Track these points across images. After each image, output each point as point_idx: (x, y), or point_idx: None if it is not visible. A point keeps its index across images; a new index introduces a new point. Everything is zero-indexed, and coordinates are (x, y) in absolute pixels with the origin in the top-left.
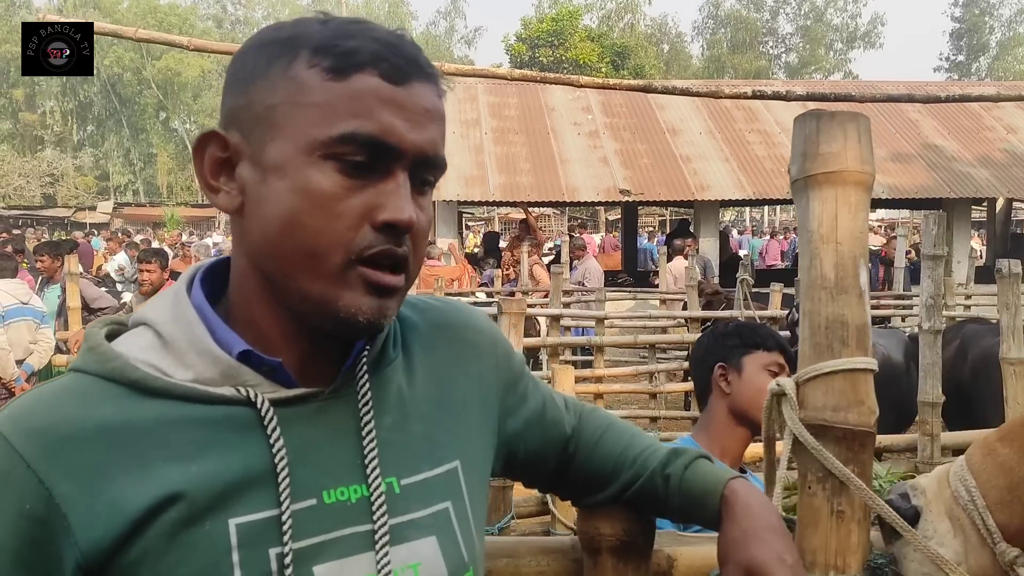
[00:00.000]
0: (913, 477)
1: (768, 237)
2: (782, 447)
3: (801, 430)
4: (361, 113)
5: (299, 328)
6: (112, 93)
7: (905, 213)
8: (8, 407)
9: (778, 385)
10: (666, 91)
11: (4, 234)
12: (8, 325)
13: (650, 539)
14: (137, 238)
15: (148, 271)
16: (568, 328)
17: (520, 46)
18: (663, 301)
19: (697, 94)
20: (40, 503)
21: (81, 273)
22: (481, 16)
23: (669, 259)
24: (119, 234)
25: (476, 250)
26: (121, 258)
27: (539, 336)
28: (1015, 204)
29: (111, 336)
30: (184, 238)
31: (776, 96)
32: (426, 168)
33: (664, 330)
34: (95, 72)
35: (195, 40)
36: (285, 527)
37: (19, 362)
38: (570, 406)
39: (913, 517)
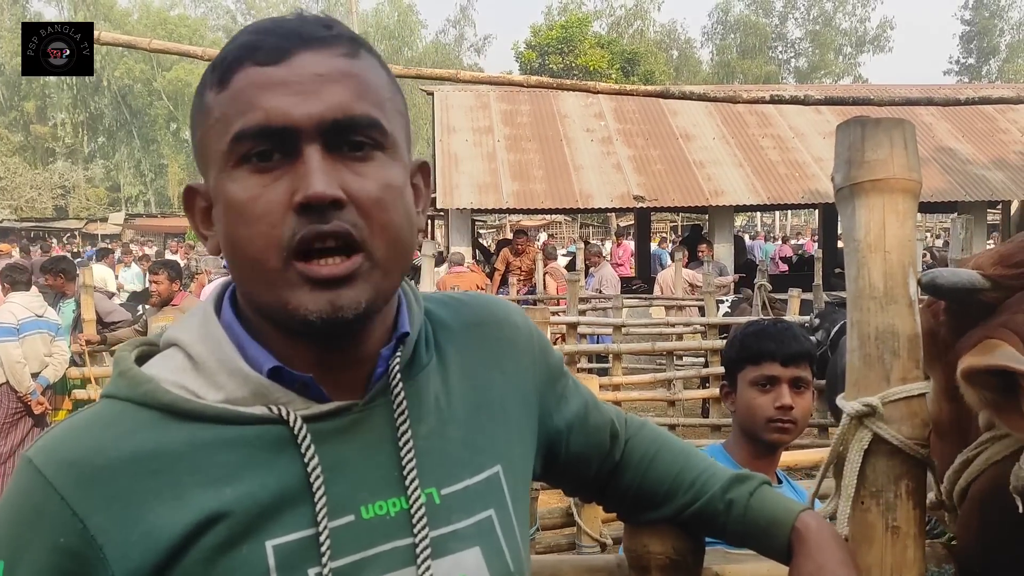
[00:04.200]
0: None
1: (780, 242)
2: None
3: (907, 443)
4: (244, 108)
5: (304, 341)
6: (123, 104)
7: (918, 216)
8: (41, 439)
9: (866, 406)
10: (683, 96)
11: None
12: (24, 338)
13: (700, 557)
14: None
15: (157, 283)
16: (584, 336)
17: (530, 53)
18: (680, 309)
19: (714, 99)
20: (75, 536)
21: (95, 287)
22: (490, 24)
23: (685, 265)
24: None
25: (491, 250)
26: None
27: None
28: None
29: (142, 358)
30: (197, 248)
31: (794, 100)
32: (346, 133)
33: (680, 337)
34: (106, 84)
35: (209, 50)
36: (323, 547)
37: (35, 375)
38: (620, 418)
39: None
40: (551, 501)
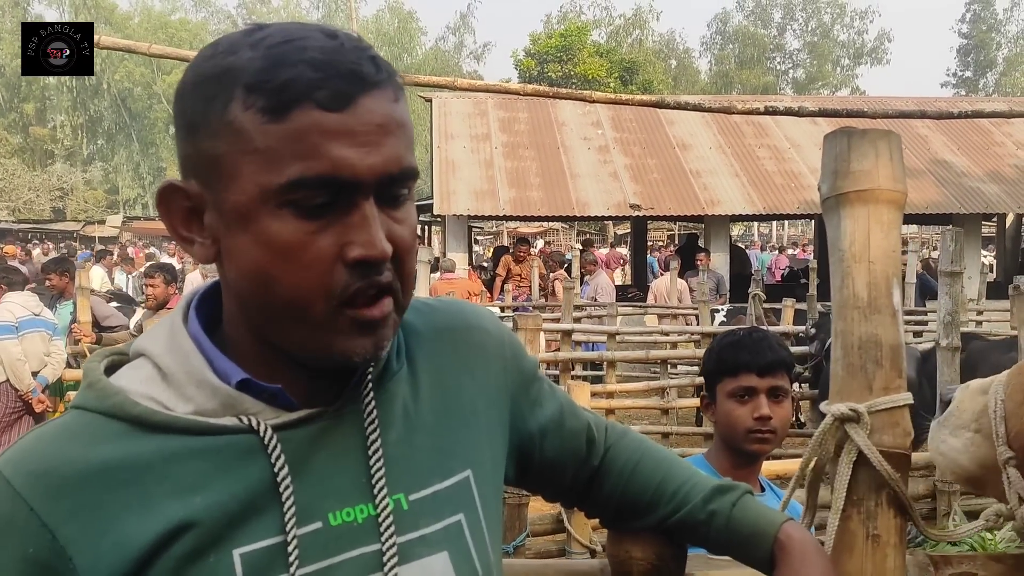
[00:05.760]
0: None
1: (777, 252)
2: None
3: (876, 455)
4: (306, 154)
5: (295, 360)
6: (122, 107)
7: (914, 228)
8: (10, 449)
9: (852, 411)
10: (678, 107)
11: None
12: (23, 336)
13: (682, 563)
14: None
15: (152, 286)
16: (579, 343)
17: (529, 61)
18: (675, 317)
19: (709, 110)
20: (44, 547)
21: (93, 291)
22: (490, 32)
23: (680, 274)
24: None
25: (486, 264)
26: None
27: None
28: None
29: (112, 367)
30: None
31: (788, 112)
32: (393, 185)
33: (675, 345)
34: (105, 87)
35: None
36: (291, 555)
37: (34, 373)
38: (599, 424)
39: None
40: (543, 508)
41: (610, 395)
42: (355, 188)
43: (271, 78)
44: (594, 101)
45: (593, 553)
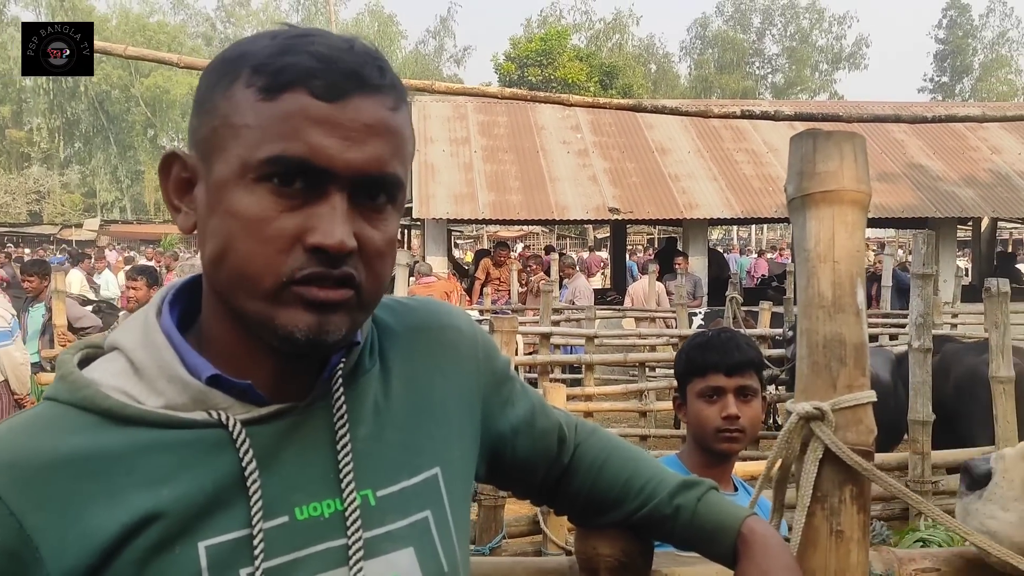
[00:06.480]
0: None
1: (756, 256)
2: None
3: (846, 451)
4: (288, 135)
5: (264, 346)
6: (100, 110)
7: (891, 232)
8: None
9: (816, 409)
10: (656, 110)
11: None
12: (15, 340)
13: (648, 560)
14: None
15: (134, 288)
16: (557, 346)
17: (509, 65)
18: (652, 320)
19: (687, 113)
20: (11, 536)
21: (67, 293)
22: (470, 36)
23: (659, 277)
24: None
25: (467, 267)
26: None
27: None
28: (1000, 223)
29: (86, 360)
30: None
31: (764, 116)
32: (373, 187)
33: (653, 348)
34: (83, 90)
35: (185, 57)
36: (257, 548)
37: None
38: (569, 423)
39: (985, 475)
40: (519, 510)
41: (588, 398)
42: (329, 178)
43: (274, 61)
44: (572, 104)
45: (569, 554)
